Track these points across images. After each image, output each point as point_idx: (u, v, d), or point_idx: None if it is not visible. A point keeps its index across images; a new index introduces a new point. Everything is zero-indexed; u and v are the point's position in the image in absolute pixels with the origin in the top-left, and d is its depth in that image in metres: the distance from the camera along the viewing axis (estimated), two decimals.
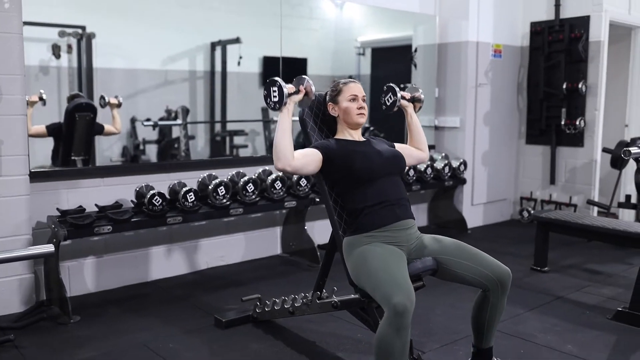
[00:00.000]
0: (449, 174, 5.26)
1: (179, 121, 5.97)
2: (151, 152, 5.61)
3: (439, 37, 5.66)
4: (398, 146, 2.78)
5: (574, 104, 5.59)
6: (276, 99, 2.48)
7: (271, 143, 6.32)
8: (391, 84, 2.82)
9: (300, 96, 2.54)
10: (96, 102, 4.48)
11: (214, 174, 4.02)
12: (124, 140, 5.48)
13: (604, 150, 5.30)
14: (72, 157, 4.22)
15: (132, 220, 3.54)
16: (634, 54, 6.06)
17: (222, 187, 3.84)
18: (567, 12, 5.60)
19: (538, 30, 5.79)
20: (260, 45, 6.01)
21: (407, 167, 3.20)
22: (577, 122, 5.51)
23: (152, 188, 3.69)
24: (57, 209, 3.50)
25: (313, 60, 6.24)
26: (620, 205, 5.32)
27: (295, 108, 2.57)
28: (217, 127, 6.37)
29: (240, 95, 6.32)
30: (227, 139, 6.38)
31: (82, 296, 3.67)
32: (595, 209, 5.42)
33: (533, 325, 3.26)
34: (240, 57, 6.09)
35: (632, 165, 5.27)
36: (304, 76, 2.55)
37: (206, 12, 5.46)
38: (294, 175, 4.19)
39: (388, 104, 2.81)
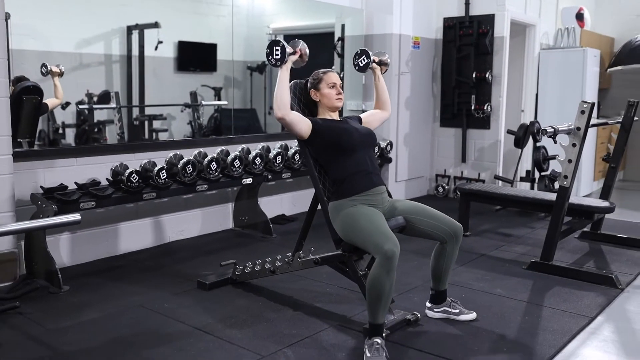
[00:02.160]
0: (378, 154, 5.86)
1: (112, 104, 6.12)
2: (70, 137, 5.71)
3: (365, 29, 6.22)
4: (364, 115, 3.31)
5: (482, 92, 6.39)
6: (278, 57, 2.91)
7: (199, 126, 6.67)
8: (364, 48, 3.31)
9: (296, 56, 2.99)
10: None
11: (178, 153, 4.34)
12: (41, 123, 5.57)
13: (508, 132, 6.13)
14: (18, 140, 4.34)
15: (113, 196, 3.81)
16: (528, 48, 6.96)
17: (189, 166, 4.17)
18: (475, 10, 6.36)
19: (450, 25, 6.52)
20: (175, 30, 6.21)
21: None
22: (485, 107, 6.31)
23: (127, 167, 3.96)
24: (41, 186, 3.69)
25: (224, 46, 6.56)
26: (521, 179, 6.19)
27: None
28: (135, 111, 6.56)
29: (156, 80, 6.53)
30: (146, 123, 6.58)
31: (61, 269, 3.86)
32: (501, 183, 6.26)
33: (467, 276, 3.92)
34: (160, 42, 6.29)
35: (530, 145, 6.16)
36: (298, 40, 2.99)
37: None
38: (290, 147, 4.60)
39: (361, 65, 3.29)
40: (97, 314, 3.20)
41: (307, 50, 3.05)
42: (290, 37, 6.75)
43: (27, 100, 4.30)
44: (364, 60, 3.28)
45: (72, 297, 3.45)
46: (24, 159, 3.78)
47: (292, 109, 3.15)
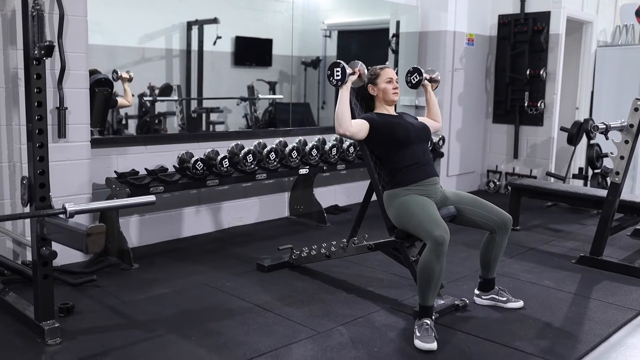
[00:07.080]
0: (430, 148, 5.96)
1: (174, 97, 6.42)
2: (132, 128, 6.00)
3: (420, 26, 6.33)
4: (420, 119, 3.45)
5: (536, 88, 6.41)
6: (339, 77, 3.11)
7: (256, 119, 6.91)
8: (416, 66, 3.50)
9: (355, 77, 3.17)
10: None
11: (239, 143, 4.57)
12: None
13: (562, 129, 6.15)
14: (90, 129, 4.66)
15: (180, 182, 4.08)
16: (584, 46, 6.93)
17: (250, 155, 4.40)
18: (531, 7, 6.39)
19: (505, 22, 6.56)
20: (232, 25, 6.42)
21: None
22: (538, 104, 6.33)
23: (192, 155, 4.22)
24: (115, 171, 3.99)
25: (279, 41, 6.75)
26: (574, 176, 6.20)
27: None
28: (193, 104, 6.83)
29: (214, 74, 6.78)
30: (204, 115, 6.86)
31: (131, 249, 4.16)
32: (553, 179, 6.27)
33: (515, 268, 4.02)
34: (219, 37, 6.55)
35: (584, 142, 6.16)
36: (357, 61, 3.17)
37: None
38: (345, 139, 4.96)
39: (414, 82, 3.50)
40: (165, 289, 3.47)
41: (366, 70, 3.24)
42: (345, 33, 7.00)
43: (99, 92, 4.61)
44: (417, 78, 3.50)
45: (142, 274, 3.73)
46: (99, 145, 4.08)
47: (350, 103, 3.33)
